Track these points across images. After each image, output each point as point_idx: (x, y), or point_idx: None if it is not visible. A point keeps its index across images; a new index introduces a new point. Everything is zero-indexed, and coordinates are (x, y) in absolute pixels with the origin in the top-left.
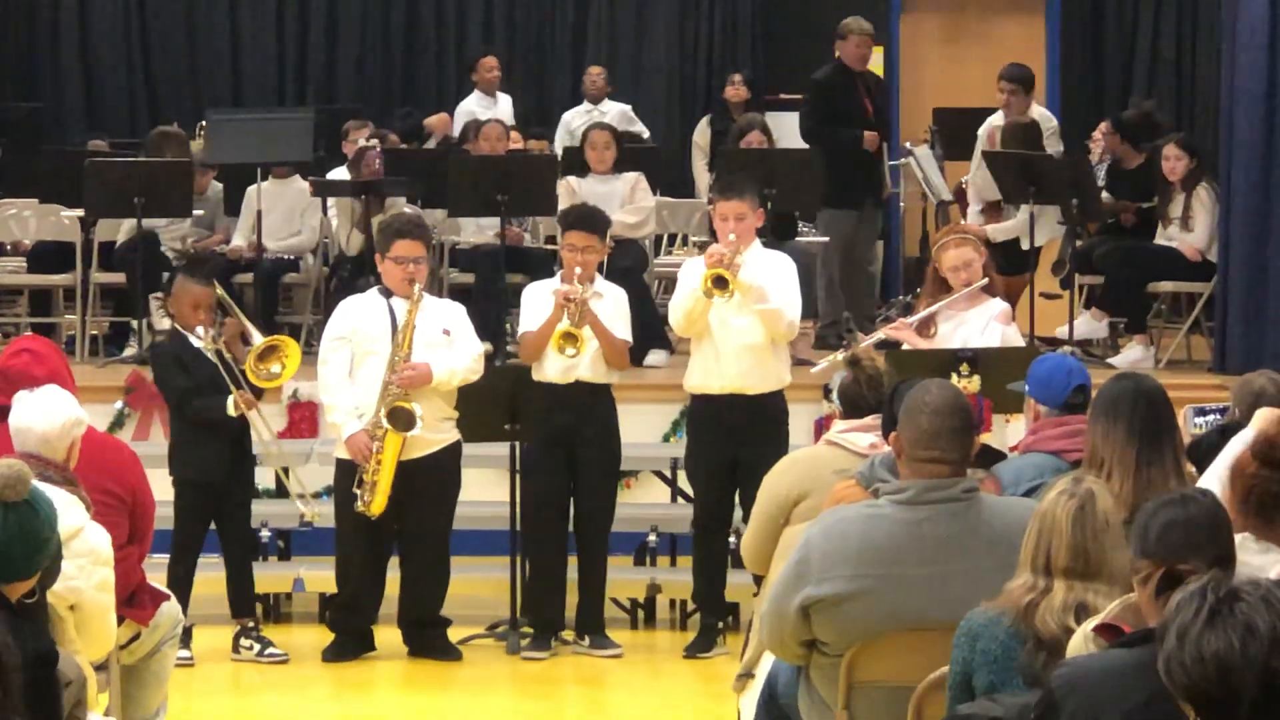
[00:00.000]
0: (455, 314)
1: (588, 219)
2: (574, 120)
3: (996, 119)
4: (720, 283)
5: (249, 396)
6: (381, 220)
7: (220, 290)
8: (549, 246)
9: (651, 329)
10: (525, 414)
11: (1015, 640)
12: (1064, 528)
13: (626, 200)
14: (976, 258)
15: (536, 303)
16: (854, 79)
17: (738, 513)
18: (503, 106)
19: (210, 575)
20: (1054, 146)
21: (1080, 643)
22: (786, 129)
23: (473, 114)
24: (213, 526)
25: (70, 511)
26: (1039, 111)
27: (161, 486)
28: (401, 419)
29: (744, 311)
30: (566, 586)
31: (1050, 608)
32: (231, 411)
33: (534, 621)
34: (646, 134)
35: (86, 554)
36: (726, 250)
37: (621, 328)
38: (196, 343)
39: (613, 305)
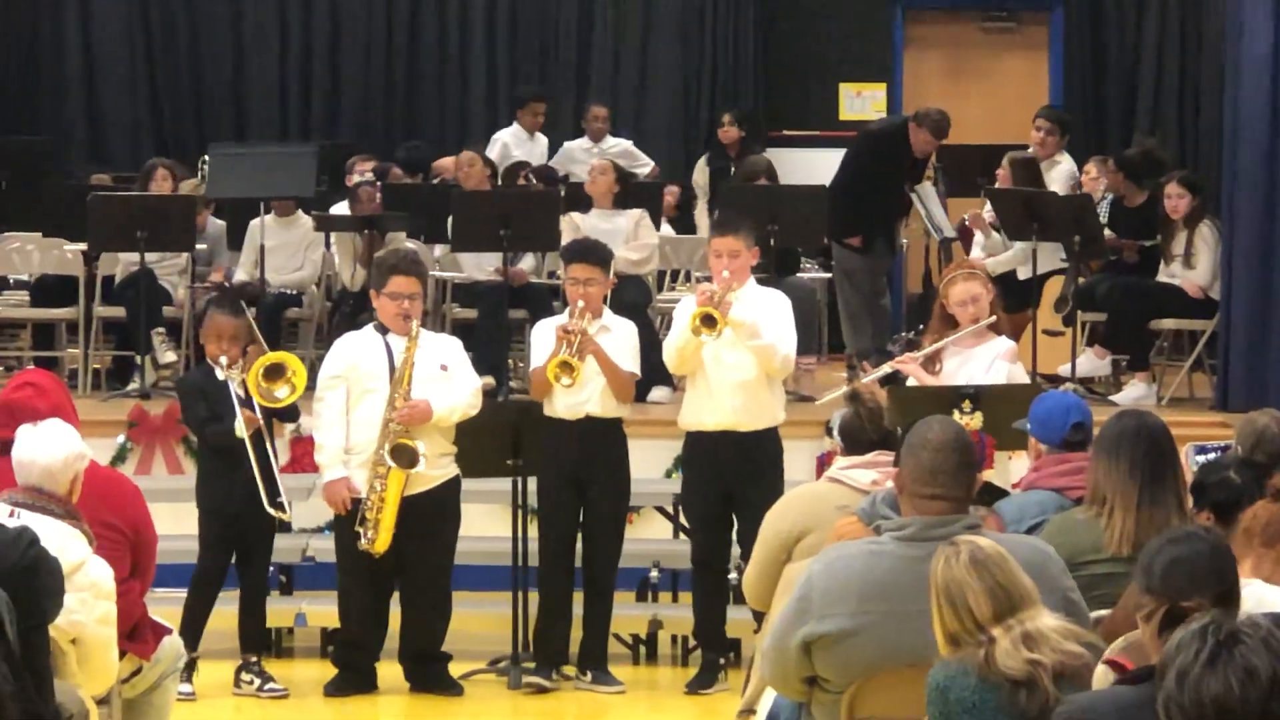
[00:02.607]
0: (452, 349)
1: (590, 252)
2: (575, 151)
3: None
4: (709, 321)
5: (252, 415)
6: (378, 256)
7: (250, 321)
8: (550, 281)
9: (655, 365)
10: (528, 449)
11: (986, 684)
12: (971, 581)
13: (630, 237)
14: (984, 293)
15: (545, 340)
16: (907, 151)
17: (736, 549)
18: (539, 147)
19: (217, 609)
20: (1060, 184)
21: (1100, 674)
22: (789, 165)
23: (506, 145)
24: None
25: (72, 545)
26: (1064, 156)
27: (167, 521)
28: (405, 456)
29: (737, 348)
30: (572, 622)
31: (1003, 653)
32: (239, 433)
33: (538, 655)
34: (651, 165)
35: (88, 588)
36: (718, 288)
37: (629, 361)
38: (221, 374)
39: (620, 339)
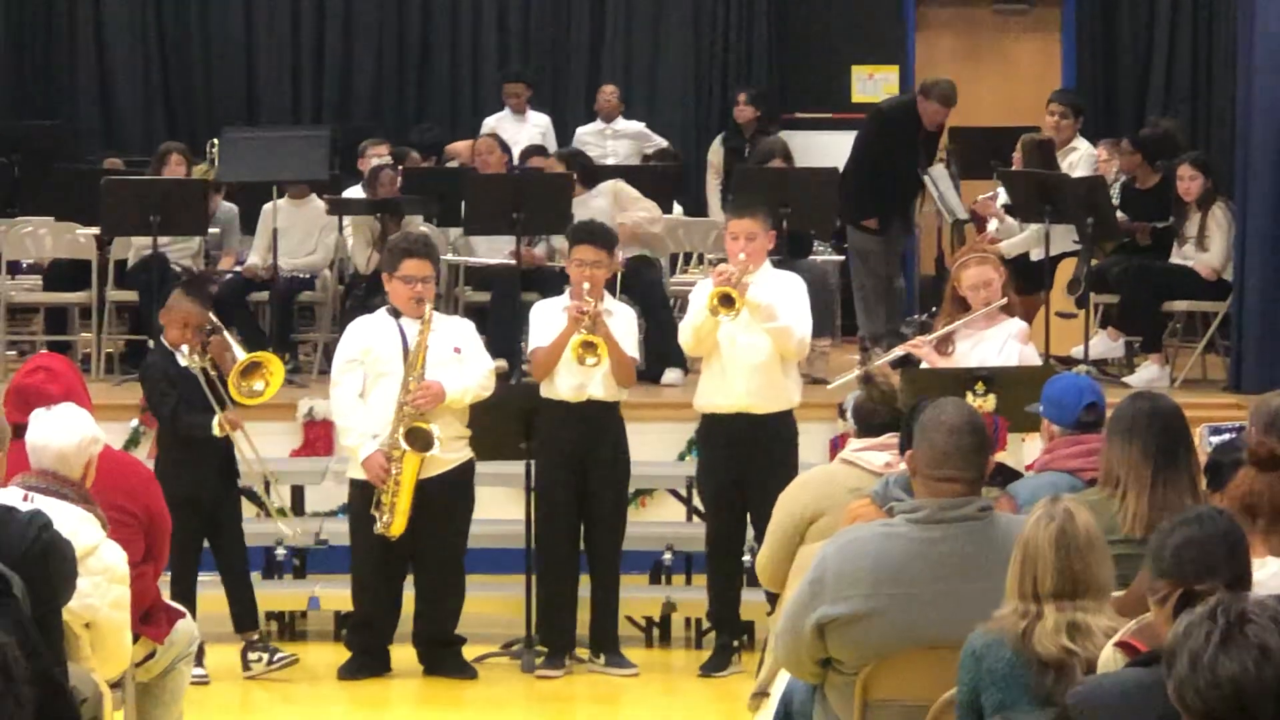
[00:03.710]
0: (465, 331)
1: (596, 234)
2: (587, 136)
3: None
4: (726, 301)
5: (233, 418)
6: (389, 239)
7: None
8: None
9: (670, 347)
10: (541, 432)
11: (1020, 658)
12: (1048, 553)
13: (612, 208)
14: (996, 277)
15: (545, 320)
16: (917, 126)
17: (750, 531)
18: (532, 128)
19: (217, 593)
20: (1082, 171)
21: (1110, 656)
22: (800, 147)
23: (492, 129)
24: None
25: (86, 529)
26: (1081, 141)
27: None
28: (420, 439)
29: (753, 330)
30: (578, 605)
31: (1044, 631)
32: (216, 432)
33: (546, 640)
34: (663, 144)
35: (102, 572)
36: (735, 269)
37: (630, 345)
38: (182, 360)
39: (622, 323)
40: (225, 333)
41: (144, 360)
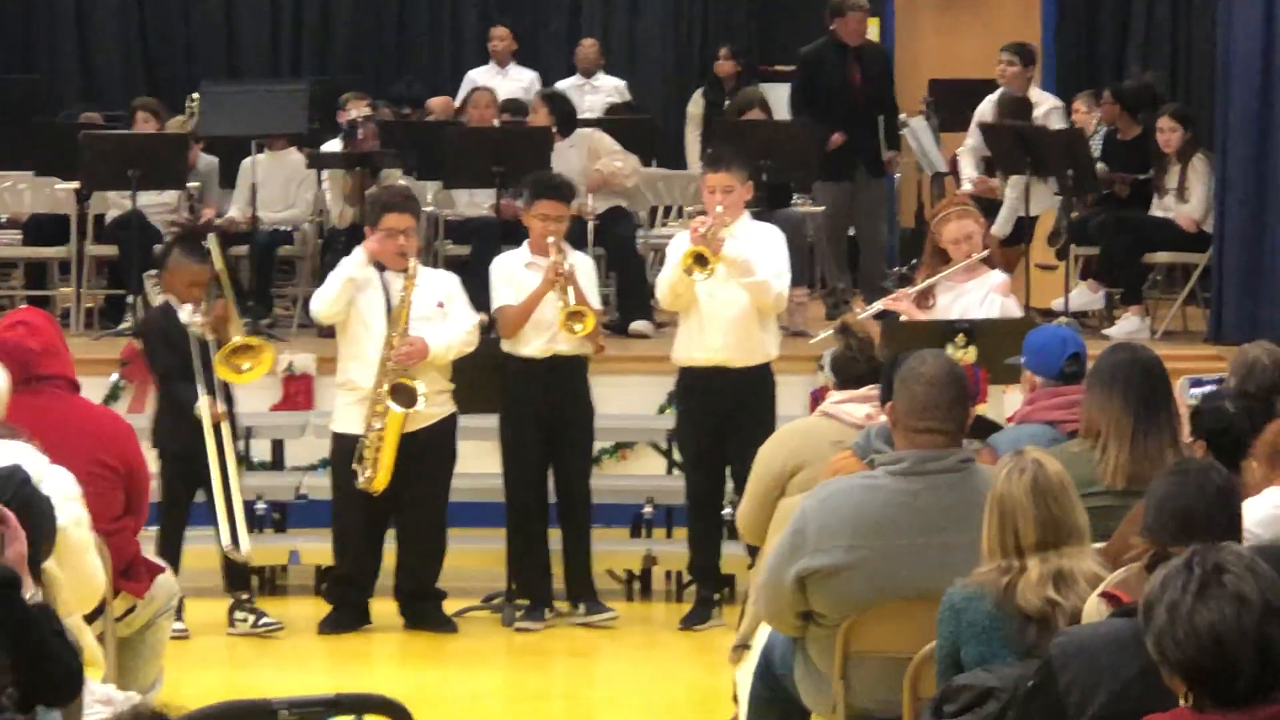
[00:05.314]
0: (449, 285)
1: (559, 188)
2: (567, 92)
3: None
4: (700, 260)
5: (217, 410)
6: (370, 193)
7: (221, 266)
8: None
9: (640, 299)
10: (508, 389)
11: (1000, 611)
12: (1025, 504)
13: (590, 157)
14: (977, 230)
15: (508, 275)
16: (844, 54)
17: (730, 485)
18: (514, 83)
19: (205, 548)
20: (1056, 125)
21: (1094, 607)
22: (780, 100)
23: (475, 82)
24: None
25: (28, 457)
26: (1036, 92)
27: (151, 458)
28: (405, 395)
29: (731, 284)
30: (550, 558)
31: (1028, 584)
32: (198, 414)
33: (524, 593)
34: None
35: (53, 494)
36: (712, 223)
37: (593, 297)
38: (184, 317)
39: (583, 275)
40: (231, 296)
41: (145, 316)
